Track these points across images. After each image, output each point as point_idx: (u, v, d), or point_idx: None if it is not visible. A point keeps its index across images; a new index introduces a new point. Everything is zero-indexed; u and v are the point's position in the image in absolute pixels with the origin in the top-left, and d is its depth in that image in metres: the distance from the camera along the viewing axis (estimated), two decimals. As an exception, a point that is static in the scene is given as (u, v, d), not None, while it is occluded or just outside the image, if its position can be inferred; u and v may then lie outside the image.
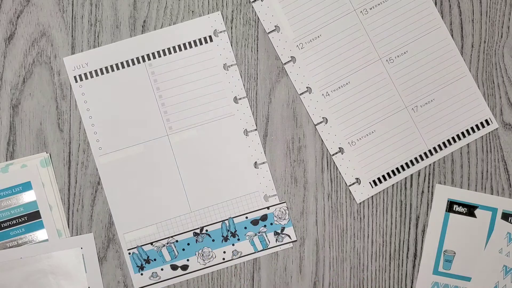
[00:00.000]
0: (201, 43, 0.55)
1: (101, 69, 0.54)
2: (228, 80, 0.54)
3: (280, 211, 0.53)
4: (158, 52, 0.54)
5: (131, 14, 0.55)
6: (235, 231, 0.53)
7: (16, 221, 0.53)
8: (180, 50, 0.54)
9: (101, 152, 0.54)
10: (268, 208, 0.54)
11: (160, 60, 0.54)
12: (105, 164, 0.53)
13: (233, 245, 0.53)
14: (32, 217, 0.53)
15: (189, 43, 0.54)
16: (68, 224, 0.53)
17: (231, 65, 0.55)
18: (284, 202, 0.54)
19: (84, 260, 0.53)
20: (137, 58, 0.54)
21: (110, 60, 0.54)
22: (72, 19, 0.55)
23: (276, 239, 0.53)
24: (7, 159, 0.54)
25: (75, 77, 0.54)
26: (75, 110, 0.54)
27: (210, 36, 0.55)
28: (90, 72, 0.54)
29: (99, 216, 0.53)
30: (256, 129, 0.54)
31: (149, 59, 0.54)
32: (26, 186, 0.53)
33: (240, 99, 0.54)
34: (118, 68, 0.54)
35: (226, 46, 0.55)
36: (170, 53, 0.54)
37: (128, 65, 0.54)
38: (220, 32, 0.55)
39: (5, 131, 0.54)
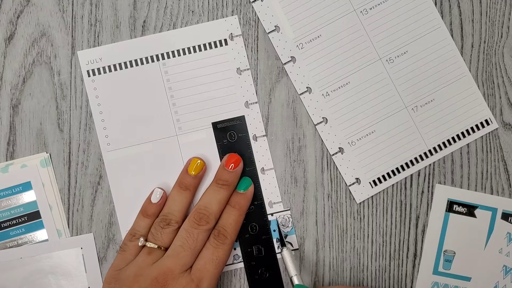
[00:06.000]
0: (216, 46, 0.55)
1: (114, 65, 0.54)
2: (241, 85, 0.54)
3: (284, 218, 0.53)
4: (173, 52, 0.54)
5: (131, 14, 0.55)
6: (238, 236, 0.53)
7: (16, 221, 0.53)
8: (195, 51, 0.54)
9: (109, 148, 0.54)
10: (272, 214, 0.53)
11: (174, 60, 0.54)
12: (112, 160, 0.53)
13: (234, 249, 0.53)
14: (32, 217, 0.53)
15: (204, 45, 0.54)
16: (68, 224, 0.53)
17: (245, 70, 0.54)
18: (289, 209, 0.54)
19: (84, 260, 0.53)
20: (151, 57, 0.54)
21: (124, 57, 0.54)
22: (72, 19, 0.55)
23: (278, 246, 0.53)
24: (7, 159, 0.54)
25: (88, 71, 0.54)
26: (75, 110, 0.54)
27: (225, 40, 0.55)
28: (104, 68, 0.54)
29: (99, 216, 0.53)
30: (265, 135, 0.54)
31: (163, 58, 0.54)
32: (26, 186, 0.53)
33: (251, 104, 0.54)
34: (131, 65, 0.54)
35: (240, 50, 0.55)
36: (184, 53, 0.54)
37: (142, 63, 0.54)
38: (236, 36, 0.55)
39: (5, 131, 0.54)
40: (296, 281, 0.49)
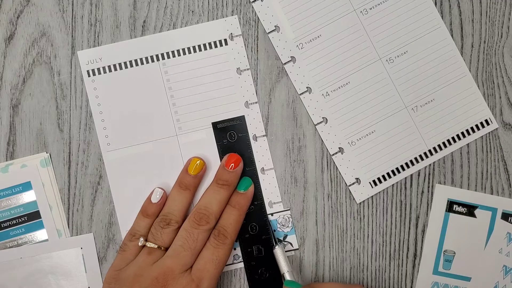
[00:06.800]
0: (216, 46, 0.55)
1: (114, 65, 0.54)
2: (241, 85, 0.54)
3: (284, 218, 0.53)
4: (173, 52, 0.54)
5: (131, 14, 0.55)
6: (238, 236, 0.53)
7: (16, 221, 0.53)
8: (195, 51, 0.54)
9: (109, 148, 0.54)
10: (272, 214, 0.53)
11: (174, 60, 0.54)
12: (112, 160, 0.53)
13: (234, 249, 0.53)
14: (32, 217, 0.53)
15: (204, 45, 0.54)
16: (68, 224, 0.53)
17: (245, 70, 0.54)
18: (289, 209, 0.54)
19: (84, 260, 0.53)
20: (151, 57, 0.54)
21: (124, 57, 0.54)
22: (72, 19, 0.55)
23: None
24: (7, 159, 0.54)
25: (88, 71, 0.54)
26: (75, 110, 0.54)
27: (225, 40, 0.55)
28: (104, 68, 0.54)
29: (99, 216, 0.53)
30: (265, 135, 0.54)
31: (163, 58, 0.54)
32: (26, 186, 0.53)
33: (251, 104, 0.54)
34: (131, 65, 0.54)
35: (240, 50, 0.55)
36: (184, 53, 0.54)
37: (142, 63, 0.54)
38: (236, 36, 0.55)
39: (5, 131, 0.54)
40: (287, 277, 0.49)
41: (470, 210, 0.54)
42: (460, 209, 0.54)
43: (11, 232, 0.53)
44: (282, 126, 0.54)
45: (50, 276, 0.52)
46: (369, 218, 0.54)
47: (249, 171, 0.53)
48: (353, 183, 0.54)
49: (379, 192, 0.54)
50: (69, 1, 0.55)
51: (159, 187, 0.52)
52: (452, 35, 0.55)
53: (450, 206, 0.54)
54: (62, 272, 0.52)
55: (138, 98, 0.54)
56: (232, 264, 0.53)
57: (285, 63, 0.55)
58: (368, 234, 0.54)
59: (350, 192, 0.54)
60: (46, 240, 0.53)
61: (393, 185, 0.54)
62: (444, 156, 0.54)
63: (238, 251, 0.53)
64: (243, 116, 0.54)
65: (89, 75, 0.54)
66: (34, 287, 0.52)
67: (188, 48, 0.54)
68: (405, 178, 0.54)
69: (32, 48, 0.54)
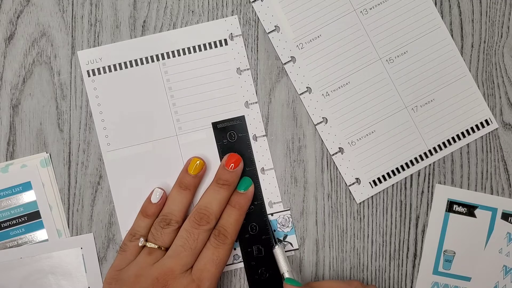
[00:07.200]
0: (216, 46, 0.55)
1: (114, 65, 0.54)
2: (241, 85, 0.54)
3: (284, 218, 0.53)
4: (173, 52, 0.54)
5: (131, 14, 0.55)
6: (238, 236, 0.53)
7: (16, 221, 0.53)
8: (195, 51, 0.54)
9: (109, 148, 0.54)
10: (272, 214, 0.53)
11: (174, 60, 0.54)
12: (112, 160, 0.53)
13: (234, 249, 0.53)
14: (32, 217, 0.53)
15: (204, 45, 0.54)
16: (68, 224, 0.53)
17: (245, 70, 0.54)
18: (289, 209, 0.54)
19: (84, 260, 0.53)
20: (151, 57, 0.54)
21: (124, 57, 0.54)
22: (72, 19, 0.55)
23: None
24: (7, 159, 0.54)
25: (88, 71, 0.54)
26: (75, 110, 0.54)
27: (225, 40, 0.55)
28: (104, 68, 0.54)
29: (99, 216, 0.53)
30: (265, 135, 0.54)
31: (163, 58, 0.54)
32: (26, 186, 0.53)
33: (251, 104, 0.54)
34: (131, 65, 0.54)
35: (240, 50, 0.55)
36: (184, 53, 0.54)
37: (142, 63, 0.54)
38: (236, 36, 0.55)
39: (5, 131, 0.54)
40: (287, 275, 0.50)
41: (470, 210, 0.54)
42: (460, 209, 0.54)
43: (11, 232, 0.53)
44: (282, 126, 0.54)
45: (50, 276, 0.52)
46: (369, 218, 0.54)
47: (249, 171, 0.53)
48: (353, 183, 0.54)
49: (379, 192, 0.54)
50: (69, 1, 0.55)
51: (159, 187, 0.52)
52: (452, 35, 0.55)
53: (450, 206, 0.54)
54: (62, 272, 0.52)
55: (138, 98, 0.54)
56: (232, 264, 0.53)
57: (285, 63, 0.55)
58: (368, 234, 0.54)
59: (350, 192, 0.54)
60: (46, 240, 0.53)
61: (393, 185, 0.54)
62: (444, 156, 0.54)
63: (238, 251, 0.53)
64: (243, 116, 0.54)
65: (89, 75, 0.54)
66: (34, 287, 0.52)
67: (188, 48, 0.54)
68: (405, 178, 0.54)
69: (32, 48, 0.54)
